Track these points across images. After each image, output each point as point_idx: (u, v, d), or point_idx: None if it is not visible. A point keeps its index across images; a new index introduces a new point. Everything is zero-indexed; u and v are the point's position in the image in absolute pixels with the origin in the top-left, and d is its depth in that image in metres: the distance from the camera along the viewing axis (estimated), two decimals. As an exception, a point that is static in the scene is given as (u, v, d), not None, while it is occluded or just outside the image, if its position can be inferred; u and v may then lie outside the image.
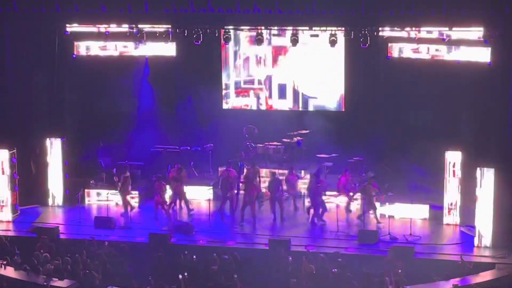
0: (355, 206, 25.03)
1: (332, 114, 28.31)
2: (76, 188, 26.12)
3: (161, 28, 25.88)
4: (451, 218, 24.16)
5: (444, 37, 24.71)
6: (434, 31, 24.74)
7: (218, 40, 27.23)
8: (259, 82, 28.91)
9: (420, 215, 24.33)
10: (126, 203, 25.03)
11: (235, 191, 25.00)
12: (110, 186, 26.02)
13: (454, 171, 23.97)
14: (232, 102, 29.27)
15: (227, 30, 26.20)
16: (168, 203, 25.01)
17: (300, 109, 28.75)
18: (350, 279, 20.08)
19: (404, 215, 24.26)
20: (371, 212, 24.20)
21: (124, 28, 26.00)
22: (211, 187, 26.26)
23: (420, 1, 23.56)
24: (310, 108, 28.74)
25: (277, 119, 28.18)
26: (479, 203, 22.59)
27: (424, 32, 24.76)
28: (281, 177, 25.17)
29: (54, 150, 26.32)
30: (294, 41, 25.62)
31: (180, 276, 20.16)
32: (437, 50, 25.27)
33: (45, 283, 20.20)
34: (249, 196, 24.34)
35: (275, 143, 27.83)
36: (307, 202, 25.26)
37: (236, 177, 25.10)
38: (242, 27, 26.89)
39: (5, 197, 25.08)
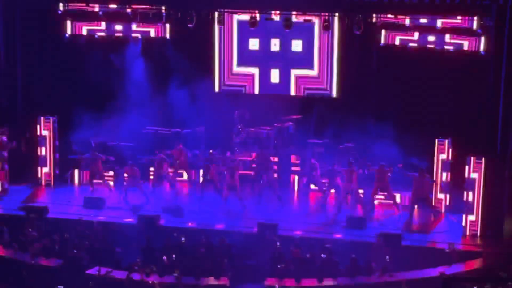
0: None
1: (324, 100, 28.25)
2: (66, 167, 26.12)
3: (154, 9, 25.85)
4: (440, 206, 24.26)
5: (438, 25, 24.75)
6: (427, 19, 24.78)
7: (212, 23, 27.14)
8: (253, 66, 28.77)
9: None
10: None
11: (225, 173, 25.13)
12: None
13: (443, 159, 24.05)
14: (224, 85, 29.16)
15: (220, 13, 26.15)
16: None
17: (293, 94, 28.65)
18: (337, 265, 20.19)
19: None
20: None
21: (118, 8, 25.93)
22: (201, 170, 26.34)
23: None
24: (303, 93, 28.63)
25: (269, 104, 28.10)
26: (468, 192, 22.67)
27: (417, 19, 24.80)
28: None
29: (45, 129, 26.29)
30: (288, 25, 25.59)
31: (165, 258, 20.27)
32: (430, 38, 25.25)
33: (33, 262, 20.25)
34: (232, 179, 24.46)
35: (266, 127, 27.78)
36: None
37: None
38: (236, 10, 26.82)
39: (-6, 175, 25.13)
